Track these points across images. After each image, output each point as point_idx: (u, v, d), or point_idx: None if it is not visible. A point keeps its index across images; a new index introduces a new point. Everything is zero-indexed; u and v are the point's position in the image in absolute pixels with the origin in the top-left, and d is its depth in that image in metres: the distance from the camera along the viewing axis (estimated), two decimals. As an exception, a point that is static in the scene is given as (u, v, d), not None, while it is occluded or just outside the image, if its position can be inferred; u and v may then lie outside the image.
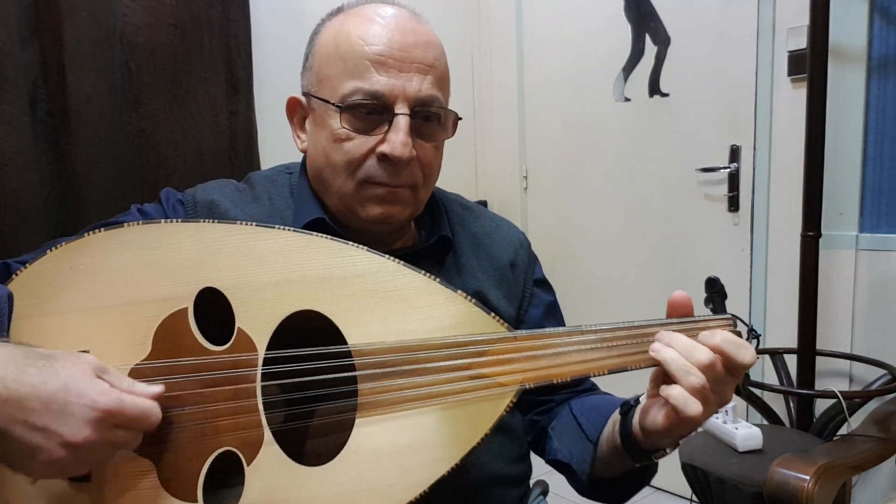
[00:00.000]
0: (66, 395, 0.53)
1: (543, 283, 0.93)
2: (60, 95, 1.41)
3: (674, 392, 0.60)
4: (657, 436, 0.65)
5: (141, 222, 0.65)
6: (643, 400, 0.69)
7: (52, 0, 1.38)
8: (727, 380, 0.61)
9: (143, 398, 0.57)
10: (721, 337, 0.61)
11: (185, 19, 1.59)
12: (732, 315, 0.67)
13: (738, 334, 0.65)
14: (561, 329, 0.65)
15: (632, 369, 0.64)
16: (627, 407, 0.71)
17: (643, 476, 0.76)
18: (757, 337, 0.68)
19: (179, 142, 1.60)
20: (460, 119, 0.82)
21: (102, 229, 0.64)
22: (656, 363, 0.62)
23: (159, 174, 1.57)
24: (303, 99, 0.82)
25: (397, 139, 0.73)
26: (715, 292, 0.70)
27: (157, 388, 0.59)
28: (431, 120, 0.77)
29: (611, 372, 0.64)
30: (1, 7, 1.31)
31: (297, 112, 0.83)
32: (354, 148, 0.75)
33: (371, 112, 0.74)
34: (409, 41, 0.74)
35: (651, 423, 0.65)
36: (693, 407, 0.59)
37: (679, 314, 0.65)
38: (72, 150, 1.43)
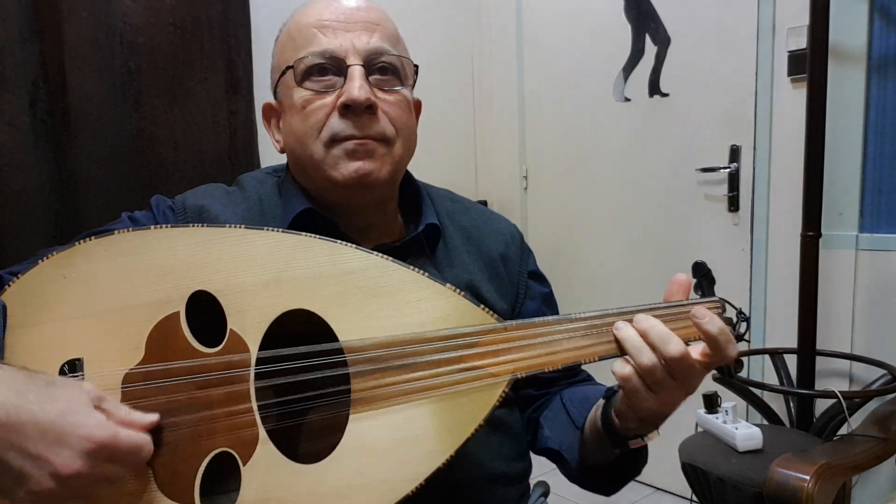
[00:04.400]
0: (63, 425, 0.52)
1: (537, 276, 0.93)
2: (60, 95, 1.42)
3: (616, 368, 0.62)
4: (625, 419, 0.66)
5: (131, 229, 0.65)
6: None
7: (52, 0, 1.38)
8: (700, 372, 0.62)
9: (137, 432, 0.57)
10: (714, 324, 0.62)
11: (185, 19, 1.59)
12: (720, 298, 0.68)
13: (729, 320, 0.66)
14: (550, 318, 0.65)
15: (622, 355, 0.64)
16: (611, 392, 0.71)
17: (633, 465, 0.76)
18: (746, 320, 0.68)
19: (179, 142, 1.60)
20: (417, 66, 0.82)
21: (93, 237, 0.65)
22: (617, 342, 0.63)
23: (159, 174, 1.57)
24: (274, 102, 0.83)
25: (353, 85, 0.73)
26: (702, 276, 0.70)
27: (151, 418, 0.59)
28: (388, 72, 0.78)
29: (601, 358, 0.64)
30: (1, 7, 1.31)
31: (272, 115, 0.84)
32: (316, 110, 0.75)
33: (325, 72, 0.75)
34: (352, 5, 0.77)
35: (619, 405, 0.66)
36: (633, 383, 0.61)
37: (675, 290, 0.67)
38: (72, 150, 1.44)
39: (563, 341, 0.64)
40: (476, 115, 2.70)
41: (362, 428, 0.62)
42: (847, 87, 1.73)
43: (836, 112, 1.71)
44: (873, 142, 1.72)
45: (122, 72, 1.52)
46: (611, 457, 0.73)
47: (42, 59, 1.39)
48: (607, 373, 0.72)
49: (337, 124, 0.75)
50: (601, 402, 0.73)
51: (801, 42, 1.76)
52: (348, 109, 0.74)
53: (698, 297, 0.69)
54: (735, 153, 1.99)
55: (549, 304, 0.92)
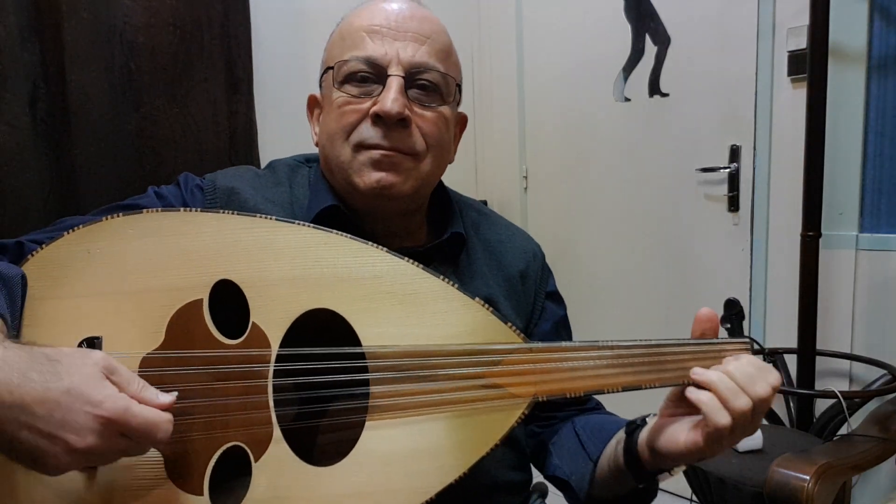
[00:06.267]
0: (70, 402, 0.51)
1: (555, 297, 0.92)
2: (60, 95, 1.41)
3: (714, 417, 0.60)
4: (672, 457, 0.64)
5: (160, 209, 0.64)
6: (650, 420, 0.69)
7: (52, 0, 1.37)
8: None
9: (150, 409, 0.53)
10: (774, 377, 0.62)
11: (185, 19, 1.59)
12: (750, 338, 0.68)
13: (758, 353, 0.66)
14: (577, 343, 0.64)
15: (646, 388, 0.64)
16: (634, 426, 0.70)
17: (641, 499, 0.75)
18: (773, 362, 0.68)
19: (179, 142, 1.60)
20: (459, 84, 0.81)
21: (120, 213, 0.63)
22: (694, 384, 0.62)
23: (159, 174, 1.57)
24: (319, 95, 0.84)
25: (388, 97, 0.73)
26: (734, 314, 0.70)
27: (168, 398, 0.55)
28: (429, 89, 0.77)
29: (625, 389, 0.63)
30: (1, 7, 1.31)
31: (315, 107, 0.85)
32: (350, 112, 0.75)
33: (366, 79, 0.75)
34: (406, 14, 0.76)
35: (669, 443, 0.64)
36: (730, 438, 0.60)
37: (704, 328, 0.66)
38: (72, 149, 1.43)
39: (588, 368, 0.63)
40: (476, 115, 2.70)
41: (378, 436, 0.62)
42: (847, 87, 1.73)
43: (836, 112, 1.71)
44: (873, 142, 1.73)
45: (122, 72, 1.51)
46: (626, 489, 0.73)
47: (42, 59, 1.39)
48: (616, 401, 0.71)
49: (367, 131, 0.74)
50: (622, 436, 0.72)
51: (801, 42, 1.77)
52: (380, 119, 0.73)
53: (727, 333, 0.69)
54: (735, 153, 1.99)
55: (563, 328, 0.91)
